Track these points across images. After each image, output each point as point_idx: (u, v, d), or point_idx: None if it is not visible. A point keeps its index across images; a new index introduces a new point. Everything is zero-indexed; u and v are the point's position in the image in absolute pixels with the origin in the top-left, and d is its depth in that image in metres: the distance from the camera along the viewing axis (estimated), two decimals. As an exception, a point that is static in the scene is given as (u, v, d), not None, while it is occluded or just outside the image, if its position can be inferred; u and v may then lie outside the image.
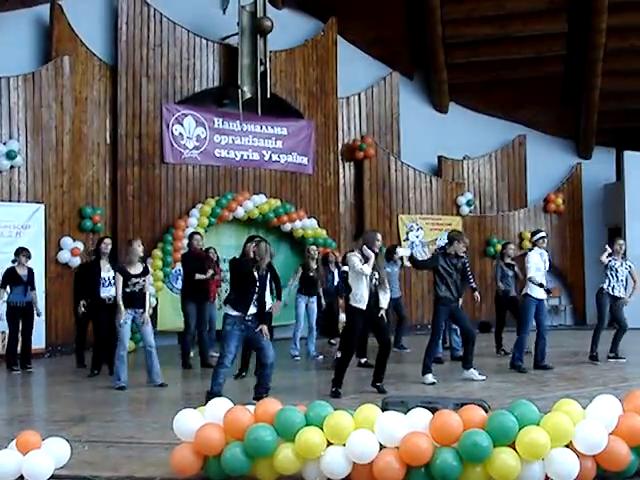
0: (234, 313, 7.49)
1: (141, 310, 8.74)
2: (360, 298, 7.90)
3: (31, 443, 4.83)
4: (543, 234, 9.93)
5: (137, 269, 8.78)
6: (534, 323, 9.71)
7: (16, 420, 6.89)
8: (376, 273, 8.03)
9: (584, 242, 17.34)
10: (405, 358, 10.77)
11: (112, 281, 9.46)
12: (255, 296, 7.53)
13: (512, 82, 16.62)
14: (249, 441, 4.63)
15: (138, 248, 8.78)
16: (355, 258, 7.95)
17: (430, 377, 8.67)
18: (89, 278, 9.79)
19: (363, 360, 10.08)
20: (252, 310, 7.51)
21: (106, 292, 9.60)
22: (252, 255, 7.80)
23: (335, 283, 11.69)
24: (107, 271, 9.68)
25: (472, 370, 8.92)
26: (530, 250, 9.91)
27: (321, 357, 11.16)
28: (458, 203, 16.12)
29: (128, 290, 8.64)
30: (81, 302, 10.14)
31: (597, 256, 10.79)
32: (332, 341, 12.49)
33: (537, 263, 9.63)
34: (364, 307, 7.91)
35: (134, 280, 8.67)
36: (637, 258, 11.65)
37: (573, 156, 17.81)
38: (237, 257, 8.21)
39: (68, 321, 11.50)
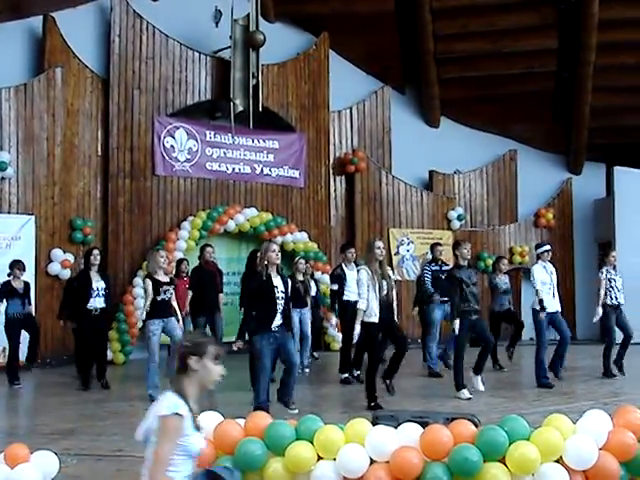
0: (260, 331, 7.31)
1: (170, 317, 8.74)
2: (371, 312, 7.82)
3: (19, 456, 4.77)
4: (547, 247, 9.84)
5: (165, 278, 8.87)
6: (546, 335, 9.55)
7: (4, 433, 6.84)
8: (385, 282, 7.98)
9: (574, 257, 17.41)
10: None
11: (101, 292, 9.56)
12: (279, 306, 7.34)
13: (503, 97, 16.69)
14: (239, 455, 4.59)
15: (160, 259, 8.82)
16: (364, 274, 7.86)
17: (466, 392, 8.52)
18: (80, 289, 9.74)
19: (356, 373, 9.91)
20: (278, 322, 7.34)
21: (94, 303, 9.56)
22: (266, 263, 7.43)
23: (313, 293, 11.61)
24: (97, 281, 9.65)
25: (479, 378, 8.86)
26: (535, 264, 9.84)
27: (307, 370, 10.98)
28: (449, 217, 16.15)
29: (159, 298, 8.66)
30: (65, 322, 10.22)
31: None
32: (314, 354, 12.41)
33: (542, 277, 9.53)
34: (377, 320, 7.83)
35: (165, 288, 8.72)
36: (626, 274, 11.64)
37: (564, 171, 17.89)
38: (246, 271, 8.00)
39: (58, 333, 11.45)
